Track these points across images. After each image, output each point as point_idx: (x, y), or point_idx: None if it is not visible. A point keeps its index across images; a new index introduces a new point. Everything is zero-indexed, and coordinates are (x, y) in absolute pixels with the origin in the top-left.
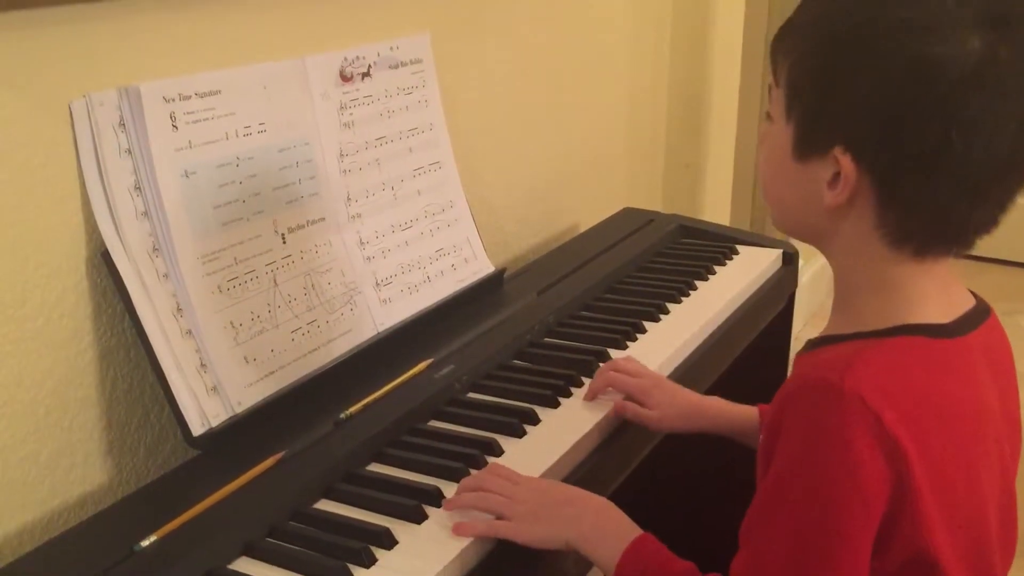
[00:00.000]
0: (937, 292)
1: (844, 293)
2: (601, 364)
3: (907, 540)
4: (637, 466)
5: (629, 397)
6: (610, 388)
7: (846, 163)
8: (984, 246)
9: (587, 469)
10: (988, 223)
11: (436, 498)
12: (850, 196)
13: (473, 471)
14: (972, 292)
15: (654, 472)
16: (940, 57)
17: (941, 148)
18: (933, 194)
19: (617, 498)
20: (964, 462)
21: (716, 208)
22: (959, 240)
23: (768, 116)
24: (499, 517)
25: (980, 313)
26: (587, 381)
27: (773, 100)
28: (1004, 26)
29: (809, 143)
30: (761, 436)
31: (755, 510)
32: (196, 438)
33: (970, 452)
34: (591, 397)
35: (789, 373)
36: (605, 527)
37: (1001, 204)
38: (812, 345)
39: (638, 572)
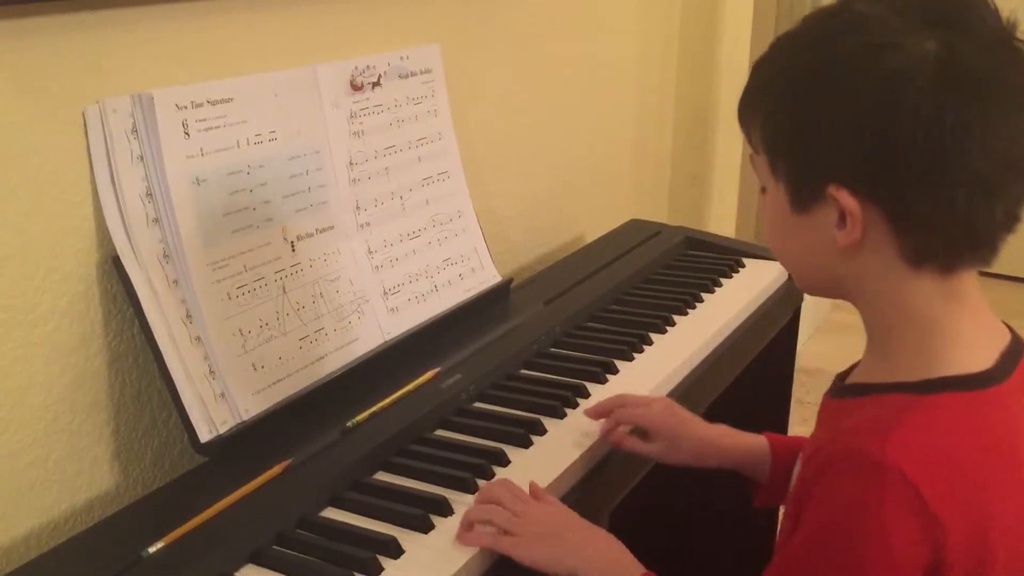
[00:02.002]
0: (972, 327)
1: (877, 335)
2: (608, 375)
3: None
4: (643, 478)
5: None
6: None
7: (846, 198)
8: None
9: (593, 481)
10: (1012, 220)
11: (443, 507)
12: (863, 230)
13: (480, 481)
14: (1007, 326)
15: (659, 484)
16: (900, 67)
17: (937, 157)
18: (949, 204)
19: (623, 510)
20: (1018, 527)
21: (722, 221)
22: (987, 245)
23: (762, 189)
24: (506, 533)
25: (1017, 351)
26: (594, 391)
27: (758, 168)
28: (951, 23)
29: (804, 193)
30: (792, 493)
31: (779, 568)
32: (203, 445)
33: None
34: (595, 415)
35: (793, 391)
36: (610, 561)
37: (1019, 200)
38: (844, 391)
39: None
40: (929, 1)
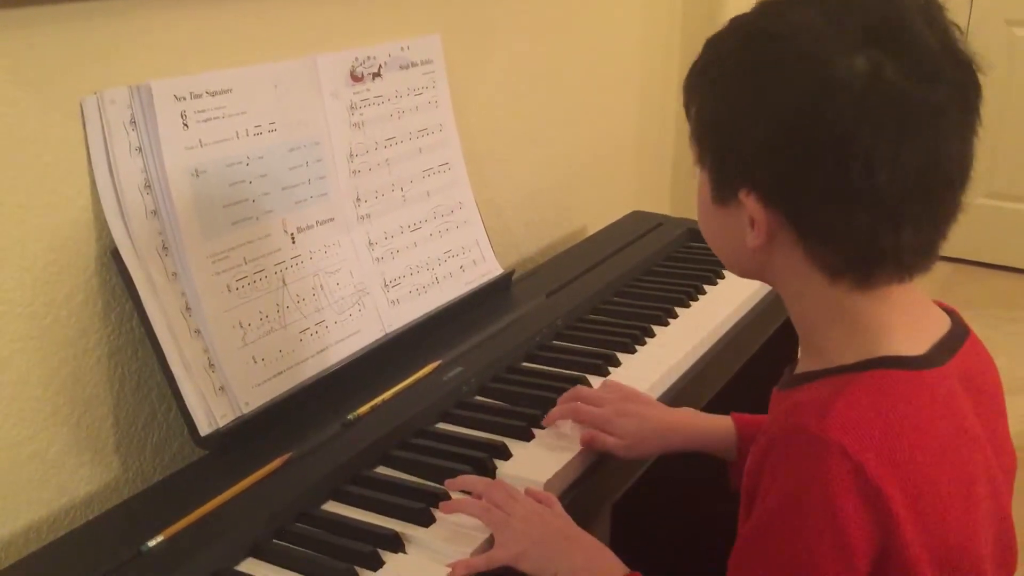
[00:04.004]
0: (903, 321)
1: (805, 330)
2: (610, 368)
3: None
4: (646, 470)
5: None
6: (571, 420)
7: (752, 205)
8: (988, 252)
9: (596, 474)
10: (925, 245)
11: (444, 500)
12: (769, 236)
13: (481, 475)
14: (950, 311)
15: (662, 476)
16: (824, 83)
17: (843, 179)
18: (850, 225)
19: (625, 502)
20: (956, 496)
21: None
22: (898, 267)
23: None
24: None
25: (956, 338)
26: (596, 383)
27: (692, 148)
28: (886, 40)
29: (722, 189)
30: (743, 480)
31: (738, 555)
32: (203, 438)
33: (961, 485)
34: (548, 422)
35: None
36: (596, 566)
37: (933, 223)
38: (788, 383)
39: None
40: (868, 14)
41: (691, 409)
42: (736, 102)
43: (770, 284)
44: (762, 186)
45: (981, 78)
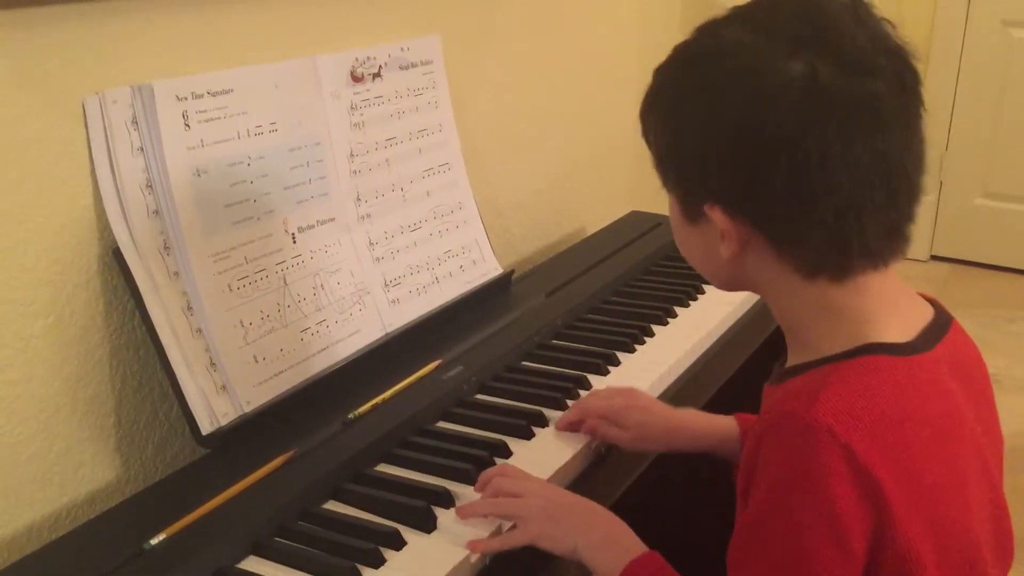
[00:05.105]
0: (886, 311)
1: (789, 327)
2: (610, 367)
3: (892, 567)
4: (646, 469)
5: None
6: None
7: (718, 217)
8: (985, 252)
9: (596, 473)
10: (891, 231)
11: (445, 499)
12: (741, 245)
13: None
14: (932, 301)
15: (662, 476)
16: (763, 91)
17: (799, 180)
18: (813, 222)
19: (625, 501)
20: (948, 479)
21: None
22: (869, 255)
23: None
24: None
25: (941, 326)
26: (595, 383)
27: (657, 173)
28: (815, 43)
29: (689, 208)
30: (739, 471)
31: (736, 545)
32: (205, 437)
33: (953, 468)
34: (563, 426)
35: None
36: (614, 538)
37: (896, 208)
38: (778, 377)
39: None
40: (795, 23)
41: (695, 410)
42: (687, 124)
43: (752, 291)
44: (724, 198)
45: (975, 77)
